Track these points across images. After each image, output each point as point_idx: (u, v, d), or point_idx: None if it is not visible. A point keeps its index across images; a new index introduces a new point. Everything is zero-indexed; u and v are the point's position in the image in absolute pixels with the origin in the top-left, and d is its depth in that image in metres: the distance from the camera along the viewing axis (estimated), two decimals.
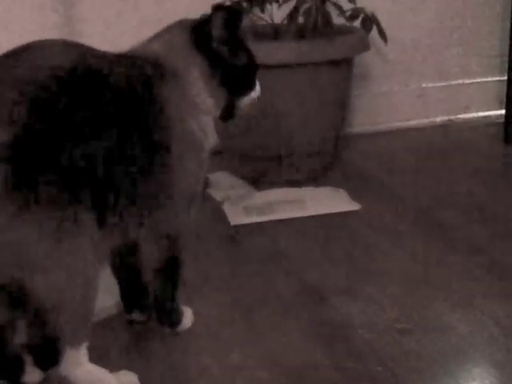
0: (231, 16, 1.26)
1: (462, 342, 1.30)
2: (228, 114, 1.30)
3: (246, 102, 1.32)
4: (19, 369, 1.17)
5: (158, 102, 1.17)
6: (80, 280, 1.06)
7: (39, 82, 1.03)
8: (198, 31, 1.25)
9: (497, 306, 1.41)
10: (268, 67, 1.94)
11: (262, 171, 2.08)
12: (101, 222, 1.08)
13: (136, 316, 1.37)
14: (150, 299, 1.34)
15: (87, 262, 1.06)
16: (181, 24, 1.28)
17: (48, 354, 1.08)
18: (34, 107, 1.01)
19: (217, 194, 2.00)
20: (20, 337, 1.12)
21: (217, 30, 1.24)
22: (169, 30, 1.28)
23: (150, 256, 1.28)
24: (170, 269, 1.30)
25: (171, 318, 1.34)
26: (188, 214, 1.27)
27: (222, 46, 1.25)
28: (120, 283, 1.36)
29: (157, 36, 1.28)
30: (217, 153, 2.19)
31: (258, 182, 2.07)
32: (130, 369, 1.20)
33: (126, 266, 1.33)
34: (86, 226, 1.05)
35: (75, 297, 1.05)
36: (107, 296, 1.35)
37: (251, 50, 1.32)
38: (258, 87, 1.33)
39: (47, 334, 1.06)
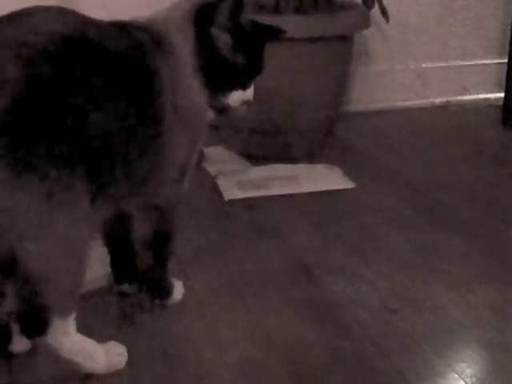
0: (237, 5, 1.23)
1: (453, 324, 1.30)
2: (215, 109, 1.29)
3: (230, 100, 1.29)
4: (6, 337, 1.17)
5: (153, 73, 1.15)
6: (71, 250, 1.04)
7: (36, 47, 1.00)
8: (203, 12, 1.23)
9: (490, 290, 1.40)
10: None
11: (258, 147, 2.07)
12: (94, 193, 1.06)
13: (126, 288, 1.36)
14: (141, 271, 1.33)
15: (79, 233, 1.05)
16: (192, 1, 1.26)
17: (35, 323, 1.06)
18: (30, 71, 0.98)
19: (211, 168, 1.98)
20: (8, 304, 1.11)
21: (221, 17, 1.22)
22: (179, 4, 1.26)
23: (141, 228, 1.27)
24: (160, 242, 1.29)
25: (161, 290, 1.33)
26: (180, 187, 1.26)
27: (222, 34, 1.23)
28: (111, 255, 1.35)
29: (167, 8, 1.27)
30: (213, 127, 2.19)
31: (253, 157, 2.05)
32: (118, 340, 1.19)
33: (118, 238, 1.32)
34: (80, 196, 1.03)
35: (65, 267, 1.04)
36: (98, 267, 1.34)
37: (262, 55, 1.29)
38: (250, 91, 1.31)
39: (35, 302, 1.04)
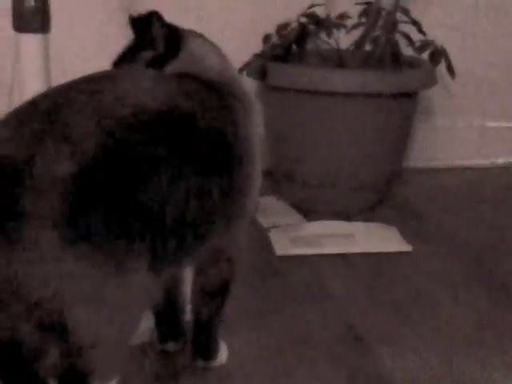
0: None
1: None
2: None
3: None
4: None
5: (241, 134, 1.11)
6: (122, 320, 0.99)
7: (119, 119, 0.95)
8: None
9: None
10: (330, 94, 1.89)
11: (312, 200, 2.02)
12: (156, 264, 0.99)
13: (169, 347, 1.31)
14: (186, 329, 1.29)
15: (133, 302, 1.00)
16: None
17: None
18: (106, 143, 0.93)
19: (264, 220, 1.93)
20: (49, 365, 1.06)
21: None
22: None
23: (207, 281, 1.23)
24: (224, 292, 1.25)
25: (209, 349, 1.28)
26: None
27: None
28: (156, 314, 1.30)
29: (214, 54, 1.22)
30: (265, 174, 2.15)
31: (306, 210, 2.00)
32: None
33: (163, 297, 1.27)
34: (137, 265, 0.97)
35: (114, 336, 0.99)
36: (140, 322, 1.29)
37: None
38: None
39: (78, 366, 1.00)
